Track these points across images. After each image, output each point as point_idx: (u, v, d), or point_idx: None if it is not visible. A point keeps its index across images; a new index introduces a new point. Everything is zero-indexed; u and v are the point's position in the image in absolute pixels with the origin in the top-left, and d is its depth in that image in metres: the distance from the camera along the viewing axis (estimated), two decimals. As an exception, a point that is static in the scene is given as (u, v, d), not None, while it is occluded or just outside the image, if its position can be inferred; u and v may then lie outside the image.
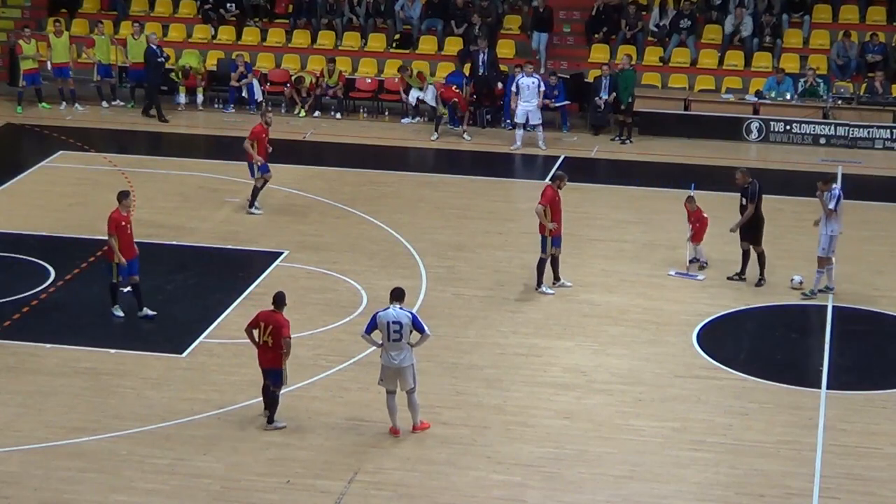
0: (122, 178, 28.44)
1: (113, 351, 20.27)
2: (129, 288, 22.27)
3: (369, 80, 34.33)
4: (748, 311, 22.23)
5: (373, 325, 17.58)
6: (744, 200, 22.87)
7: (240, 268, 23.62)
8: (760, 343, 21.57)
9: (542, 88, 31.06)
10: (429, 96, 32.42)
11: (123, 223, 21.09)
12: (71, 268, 23.35)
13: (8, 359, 19.94)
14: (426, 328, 17.54)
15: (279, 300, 17.78)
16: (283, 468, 16.92)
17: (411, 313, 17.51)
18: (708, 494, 16.55)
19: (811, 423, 18.35)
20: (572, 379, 19.59)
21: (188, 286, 22.04)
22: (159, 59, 33.16)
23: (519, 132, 31.05)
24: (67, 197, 27.38)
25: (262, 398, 17.92)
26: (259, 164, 26.13)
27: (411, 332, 17.44)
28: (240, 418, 18.18)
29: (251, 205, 26.39)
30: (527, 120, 30.93)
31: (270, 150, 26.39)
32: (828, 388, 19.39)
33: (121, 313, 21.26)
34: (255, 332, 17.61)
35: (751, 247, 22.99)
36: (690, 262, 23.52)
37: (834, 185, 22.54)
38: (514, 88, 31.25)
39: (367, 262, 23.90)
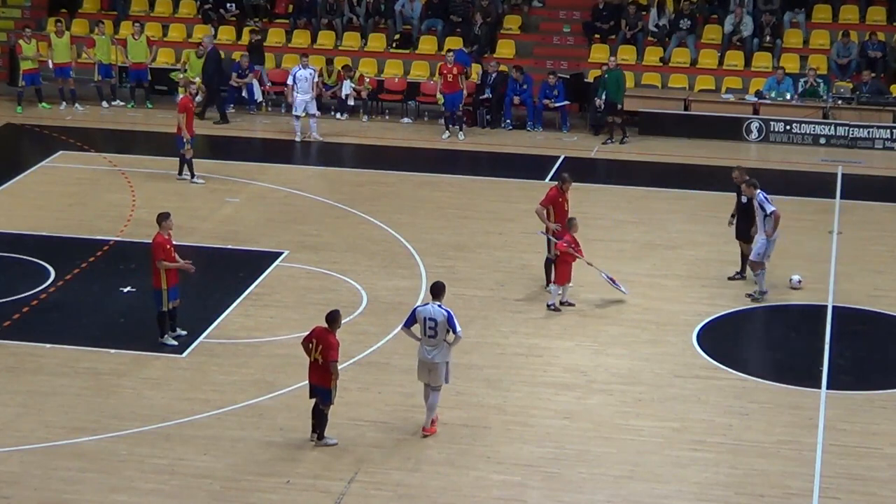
0: (122, 178, 28.49)
1: (113, 351, 20.26)
2: (128, 288, 22.36)
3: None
4: (748, 311, 22.23)
5: (412, 320, 17.68)
6: (744, 199, 22.79)
7: (240, 268, 23.64)
8: (760, 343, 21.56)
9: (317, 80, 31.94)
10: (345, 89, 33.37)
11: (168, 246, 20.06)
12: (71, 268, 23.35)
13: (8, 359, 19.93)
14: (458, 329, 17.51)
15: (332, 319, 17.25)
16: (283, 468, 16.92)
17: (447, 312, 17.49)
18: (708, 494, 16.55)
19: (811, 423, 18.35)
20: (572, 379, 19.59)
21: (188, 286, 21.99)
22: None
23: (297, 123, 31.51)
24: (67, 197, 27.39)
25: (311, 418, 17.52)
26: (188, 137, 27.75)
27: (447, 330, 17.49)
28: (240, 418, 18.17)
29: (192, 176, 28.03)
30: (305, 110, 31.56)
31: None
32: (828, 388, 19.39)
33: (173, 342, 20.38)
34: (310, 347, 17.27)
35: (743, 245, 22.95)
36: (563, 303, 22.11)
37: (758, 190, 22.34)
38: (290, 81, 31.81)
39: (367, 262, 23.90)
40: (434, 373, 17.65)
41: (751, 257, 22.42)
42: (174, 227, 20.60)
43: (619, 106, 31.68)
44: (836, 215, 26.74)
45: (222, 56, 34.38)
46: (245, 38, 36.10)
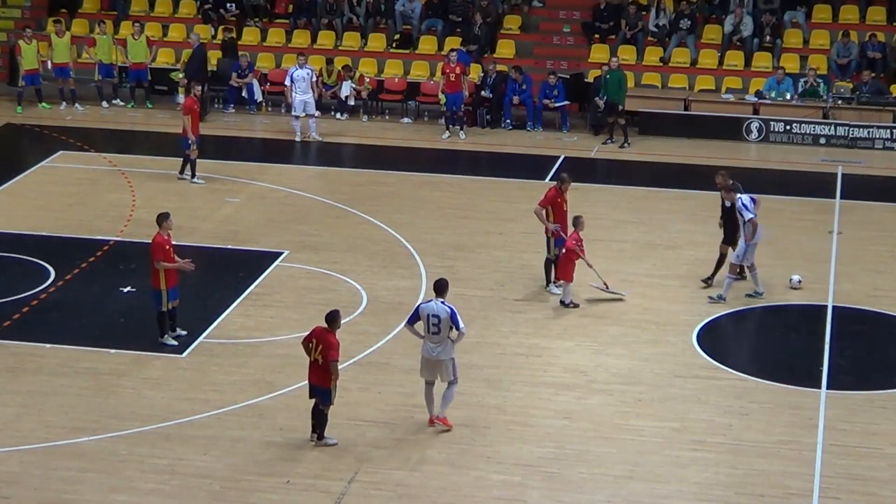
0: (122, 178, 28.49)
1: (113, 351, 20.26)
2: (128, 288, 22.37)
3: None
4: (748, 311, 22.23)
5: (415, 317, 17.76)
6: (727, 204, 22.64)
7: (240, 268, 23.63)
8: (760, 343, 21.57)
9: (315, 79, 32.01)
10: (345, 90, 33.36)
11: (168, 247, 20.06)
12: (71, 268, 23.35)
13: (8, 359, 19.93)
14: (462, 325, 17.59)
15: (331, 319, 17.26)
16: (283, 468, 16.92)
17: (451, 308, 17.55)
18: (708, 494, 16.55)
19: (811, 423, 18.35)
20: (572, 379, 19.59)
21: (188, 286, 22.00)
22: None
23: (296, 123, 31.56)
24: (67, 197, 27.39)
25: (311, 418, 17.54)
26: (193, 139, 27.85)
27: (451, 327, 17.52)
28: (240, 418, 18.18)
29: (193, 175, 28.11)
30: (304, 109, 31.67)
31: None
32: (828, 388, 19.39)
33: (173, 342, 20.36)
34: (310, 347, 17.28)
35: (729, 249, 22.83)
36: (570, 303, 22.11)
37: (739, 195, 22.24)
38: (288, 82, 31.82)
39: (367, 262, 23.90)
40: (440, 370, 17.70)
41: (731, 260, 22.39)
42: (174, 227, 20.62)
43: (621, 107, 31.66)
44: (836, 215, 26.73)
45: (222, 56, 34.42)
46: (245, 39, 36.12)
